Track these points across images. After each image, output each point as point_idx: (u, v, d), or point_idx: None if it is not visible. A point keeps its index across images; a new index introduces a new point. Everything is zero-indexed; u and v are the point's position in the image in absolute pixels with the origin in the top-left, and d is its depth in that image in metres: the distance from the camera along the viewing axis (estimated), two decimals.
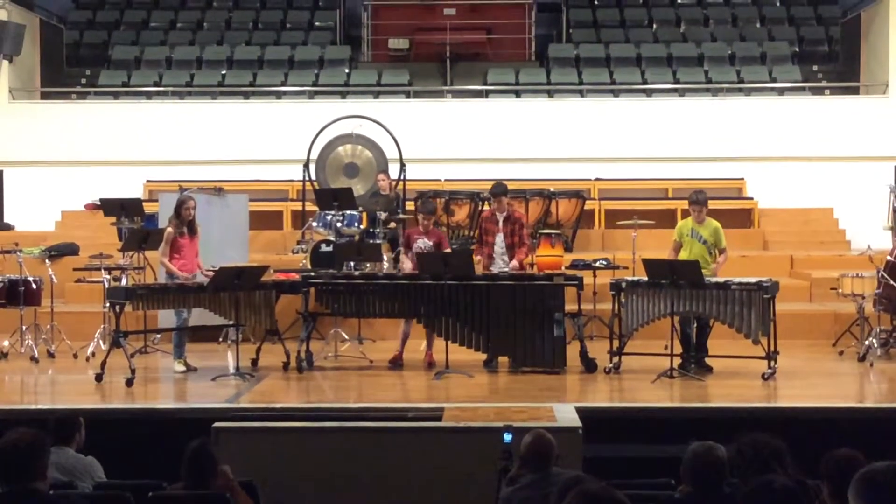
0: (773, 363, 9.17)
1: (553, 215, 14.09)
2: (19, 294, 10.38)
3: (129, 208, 11.94)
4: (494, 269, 9.93)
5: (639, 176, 16.39)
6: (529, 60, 19.23)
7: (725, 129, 16.53)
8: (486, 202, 13.85)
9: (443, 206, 13.55)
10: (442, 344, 9.52)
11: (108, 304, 9.85)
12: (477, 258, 10.27)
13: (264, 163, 16.36)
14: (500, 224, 10.05)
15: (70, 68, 19.03)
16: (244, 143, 16.58)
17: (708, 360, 9.60)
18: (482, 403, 8.09)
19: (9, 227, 15.73)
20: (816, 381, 9.25)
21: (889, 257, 10.27)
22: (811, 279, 12.72)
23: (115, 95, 17.81)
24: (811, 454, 4.49)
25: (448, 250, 10.06)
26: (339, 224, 12.13)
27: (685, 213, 10.11)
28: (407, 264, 10.11)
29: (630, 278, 9.77)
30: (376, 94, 17.94)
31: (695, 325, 9.63)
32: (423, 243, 10.01)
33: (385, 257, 11.56)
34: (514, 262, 10.01)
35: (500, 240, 10.02)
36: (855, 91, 17.58)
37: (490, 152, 16.44)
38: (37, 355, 10.30)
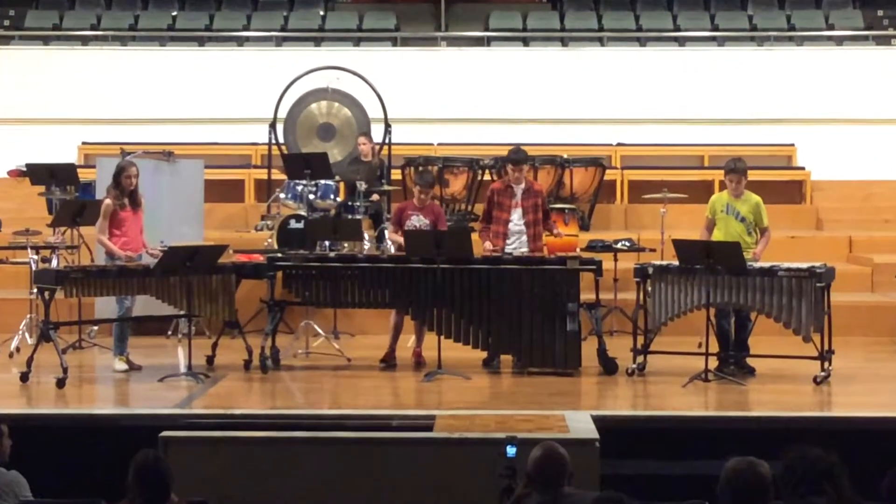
0: (826, 364, 9.20)
1: (567, 187, 14.10)
2: None
3: (60, 175, 11.94)
4: (509, 250, 9.88)
5: (669, 141, 16.38)
6: (539, 2, 19.18)
7: (773, 85, 16.52)
8: (486, 171, 13.86)
9: (435, 174, 13.54)
10: (434, 339, 9.53)
11: (35, 290, 9.84)
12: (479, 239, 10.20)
13: (223, 122, 16.33)
14: (519, 198, 10.02)
15: None
16: (198, 98, 16.54)
17: (749, 361, 9.63)
18: (481, 410, 8.10)
19: None
20: (878, 387, 9.28)
21: None
22: (873, 265, 12.74)
23: (45, 40, 17.73)
24: (871, 472, 4.51)
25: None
26: (311, 196, 12.12)
27: (724, 186, 10.11)
28: (396, 245, 10.10)
29: (658, 262, 9.78)
30: (357, 41, 17.90)
31: (734, 318, 9.65)
32: (417, 220, 10.00)
33: (366, 236, 11.56)
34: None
35: (517, 216, 9.96)
36: None
37: (492, 111, 16.43)
38: None
